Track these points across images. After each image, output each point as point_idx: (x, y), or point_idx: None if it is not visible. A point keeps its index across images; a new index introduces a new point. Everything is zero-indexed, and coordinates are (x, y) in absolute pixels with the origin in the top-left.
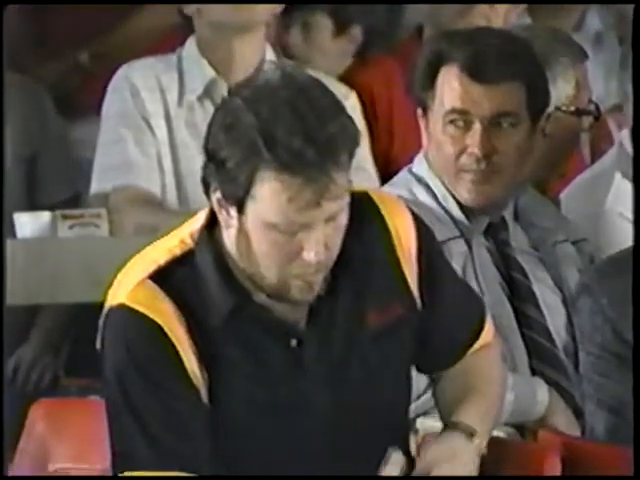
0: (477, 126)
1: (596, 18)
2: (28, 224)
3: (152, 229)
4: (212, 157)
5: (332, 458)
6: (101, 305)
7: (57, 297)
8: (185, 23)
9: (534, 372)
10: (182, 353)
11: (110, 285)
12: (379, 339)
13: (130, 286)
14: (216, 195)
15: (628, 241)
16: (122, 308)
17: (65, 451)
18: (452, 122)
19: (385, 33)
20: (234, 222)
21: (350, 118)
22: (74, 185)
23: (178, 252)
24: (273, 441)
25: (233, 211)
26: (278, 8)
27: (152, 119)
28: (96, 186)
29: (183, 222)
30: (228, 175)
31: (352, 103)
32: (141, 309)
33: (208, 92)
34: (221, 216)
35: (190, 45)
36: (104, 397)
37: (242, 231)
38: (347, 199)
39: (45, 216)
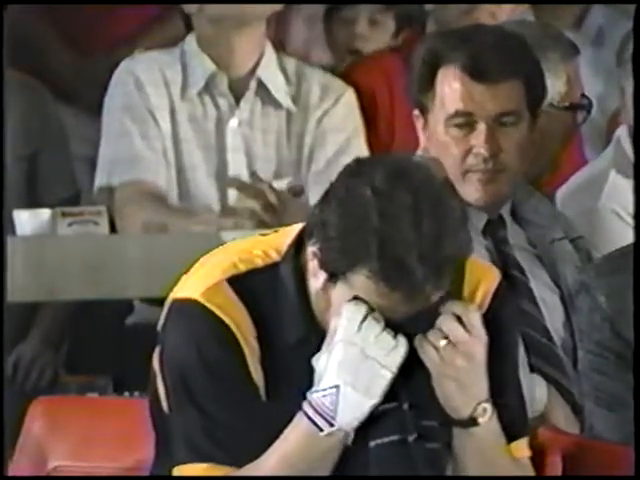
0: (482, 127)
1: (599, 15)
2: (28, 221)
3: (159, 227)
4: (322, 222)
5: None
6: (101, 302)
7: (57, 295)
8: (185, 21)
9: (532, 369)
10: (249, 359)
11: (108, 282)
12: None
13: (205, 284)
14: (313, 249)
15: (621, 238)
16: (195, 304)
17: (64, 449)
18: (456, 124)
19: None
20: (320, 279)
21: (468, 232)
22: (74, 183)
23: (260, 263)
24: None
25: (323, 274)
26: (278, 5)
27: (157, 112)
28: (102, 180)
29: (188, 220)
30: (330, 250)
31: (348, 100)
32: (214, 309)
33: (208, 86)
34: (311, 263)
35: (191, 40)
36: (156, 389)
37: (325, 291)
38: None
39: (45, 214)
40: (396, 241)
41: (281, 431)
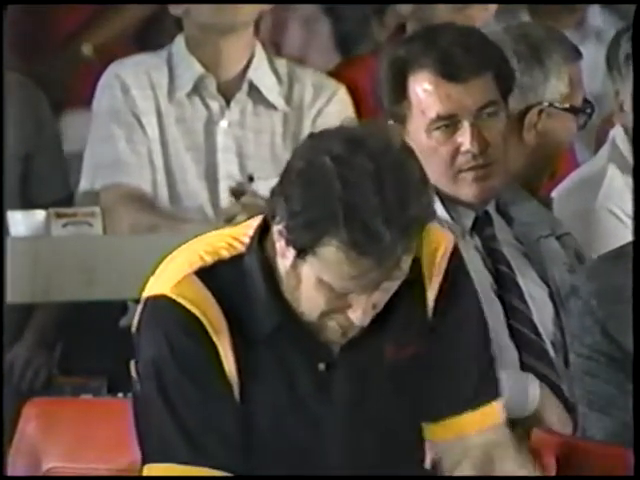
0: (466, 125)
1: (597, 16)
2: (22, 222)
3: (148, 228)
4: (284, 198)
5: (347, 465)
6: (95, 303)
7: (51, 296)
8: (173, 21)
9: (523, 365)
10: (221, 351)
11: (102, 283)
12: (395, 373)
13: (174, 279)
14: (278, 227)
15: (618, 238)
16: (164, 299)
17: (58, 450)
18: (439, 127)
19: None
20: (289, 257)
21: (429, 195)
22: (68, 184)
23: (226, 254)
24: (292, 449)
25: (291, 251)
26: (267, 7)
27: (143, 116)
28: (85, 184)
29: (176, 221)
30: (296, 225)
31: (341, 97)
32: (184, 302)
33: (197, 89)
34: (279, 244)
35: (179, 42)
36: (135, 389)
37: (295, 269)
38: (405, 276)
39: (39, 214)
40: (361, 207)
41: (254, 429)
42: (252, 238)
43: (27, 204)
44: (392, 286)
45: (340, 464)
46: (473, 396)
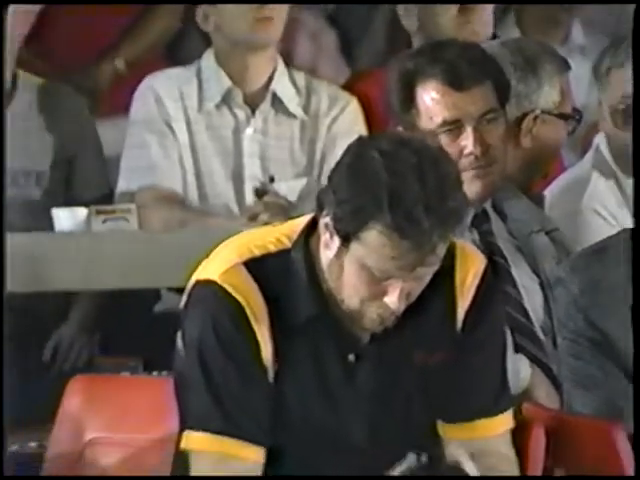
0: (469, 129)
1: (580, 34)
2: (66, 219)
3: (178, 224)
4: (333, 190)
5: (367, 446)
6: (131, 291)
7: (91, 284)
8: (203, 36)
9: (516, 346)
10: (259, 336)
11: (138, 273)
12: (421, 376)
13: (223, 267)
14: (325, 220)
15: (601, 235)
16: (212, 284)
17: (100, 422)
18: (444, 131)
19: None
20: (334, 248)
21: (465, 196)
22: (107, 184)
23: (273, 248)
24: (318, 429)
25: (337, 240)
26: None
27: (174, 124)
28: (122, 184)
29: (204, 217)
30: (343, 213)
31: (354, 108)
32: (230, 289)
33: (225, 100)
34: (324, 236)
35: (208, 56)
36: (178, 364)
37: (338, 258)
38: (439, 264)
39: (81, 212)
40: (404, 195)
41: (285, 409)
42: (299, 235)
43: (70, 202)
44: (426, 273)
45: (361, 445)
46: (492, 405)
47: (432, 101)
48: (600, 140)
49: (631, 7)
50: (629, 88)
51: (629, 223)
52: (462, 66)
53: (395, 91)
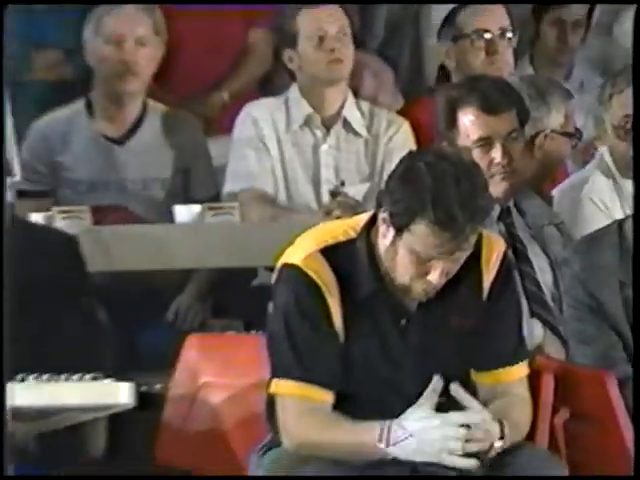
0: (498, 145)
1: (581, 71)
2: (184, 213)
3: (271, 218)
4: (389, 192)
5: (417, 395)
6: (234, 269)
7: (204, 264)
8: (289, 73)
9: (532, 312)
10: (332, 307)
11: (240, 255)
12: (457, 336)
13: (305, 253)
14: (383, 215)
15: (595, 220)
16: (296, 268)
17: (211, 370)
18: (478, 146)
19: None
20: (389, 237)
21: (490, 196)
22: (216, 187)
23: (342, 238)
24: (378, 379)
25: (392, 231)
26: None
27: (267, 142)
28: (228, 187)
29: (290, 213)
30: (397, 210)
31: (406, 129)
32: (309, 272)
33: (307, 123)
34: (382, 228)
35: (294, 89)
36: (269, 327)
37: (393, 245)
38: (471, 249)
39: (196, 208)
40: (444, 197)
41: (352, 362)
42: (363, 228)
43: (187, 201)
44: (461, 256)
45: (413, 392)
46: (512, 357)
47: (469, 122)
48: (604, 151)
49: (628, 44)
50: (629, 109)
51: (619, 215)
52: (494, 95)
53: (441, 115)
